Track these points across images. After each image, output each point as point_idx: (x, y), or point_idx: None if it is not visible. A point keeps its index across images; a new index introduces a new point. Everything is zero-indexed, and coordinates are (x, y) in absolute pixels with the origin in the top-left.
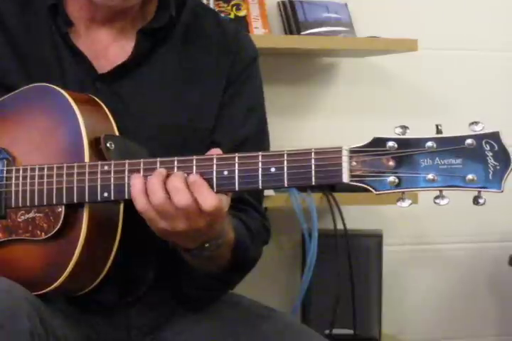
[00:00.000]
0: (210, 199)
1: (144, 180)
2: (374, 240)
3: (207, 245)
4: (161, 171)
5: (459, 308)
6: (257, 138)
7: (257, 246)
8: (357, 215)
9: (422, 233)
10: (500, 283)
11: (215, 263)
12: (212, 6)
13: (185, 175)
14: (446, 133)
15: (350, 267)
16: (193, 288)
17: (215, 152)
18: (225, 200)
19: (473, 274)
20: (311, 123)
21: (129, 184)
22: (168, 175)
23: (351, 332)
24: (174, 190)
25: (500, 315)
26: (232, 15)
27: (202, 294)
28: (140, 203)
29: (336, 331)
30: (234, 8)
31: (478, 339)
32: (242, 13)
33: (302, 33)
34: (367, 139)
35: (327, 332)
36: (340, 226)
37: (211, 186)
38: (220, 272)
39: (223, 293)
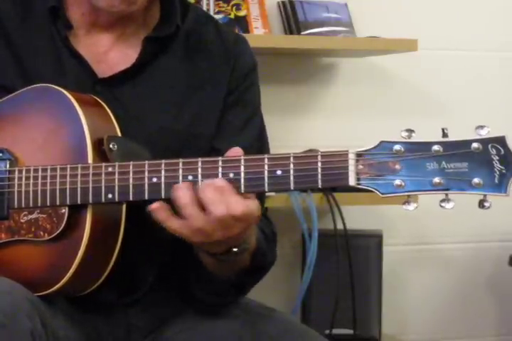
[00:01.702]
0: (239, 205)
1: (191, 193)
2: (374, 240)
3: (235, 250)
4: (188, 185)
5: (459, 308)
6: (258, 145)
7: (272, 252)
8: (357, 215)
9: (422, 233)
10: (500, 283)
11: (234, 268)
12: (212, 6)
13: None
14: (451, 136)
15: (350, 267)
16: (205, 293)
17: (236, 152)
18: (255, 204)
19: (473, 274)
20: (311, 123)
21: (133, 185)
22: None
23: (351, 332)
24: (209, 202)
25: (500, 315)
26: (232, 15)
27: (214, 299)
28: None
29: (335, 331)
30: (234, 8)
31: (478, 339)
32: (242, 13)
33: (302, 33)
34: (369, 140)
35: (327, 332)
36: (340, 226)
37: None
38: (236, 277)
39: (236, 298)
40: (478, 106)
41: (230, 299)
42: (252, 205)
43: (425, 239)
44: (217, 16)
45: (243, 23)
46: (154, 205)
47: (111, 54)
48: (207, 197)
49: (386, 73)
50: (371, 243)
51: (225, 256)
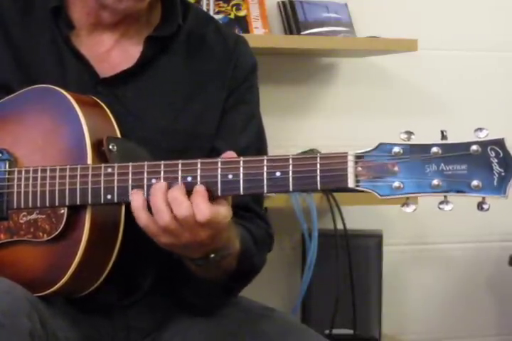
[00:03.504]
0: (204, 211)
1: (143, 196)
2: (374, 240)
3: (212, 256)
4: (161, 185)
5: (459, 308)
6: (257, 145)
7: (261, 254)
8: (357, 215)
9: (422, 233)
10: (500, 283)
11: (219, 272)
12: (212, 6)
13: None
14: (450, 137)
15: (350, 267)
16: (195, 296)
17: (230, 154)
18: (223, 211)
19: (473, 274)
20: (311, 123)
21: (132, 186)
22: (169, 186)
23: (351, 332)
24: (174, 202)
25: (500, 315)
26: (232, 15)
27: (204, 302)
28: (142, 219)
29: (335, 331)
30: (234, 8)
31: (478, 339)
32: (242, 13)
33: (302, 33)
34: (368, 140)
35: (327, 332)
36: (340, 226)
37: (216, 190)
38: (224, 280)
39: (225, 300)
40: (478, 106)
41: (218, 301)
42: (220, 212)
43: (425, 239)
44: (217, 16)
45: (243, 23)
46: (135, 191)
47: (113, 54)
48: (173, 197)
49: (386, 73)
50: (371, 243)
51: (203, 261)
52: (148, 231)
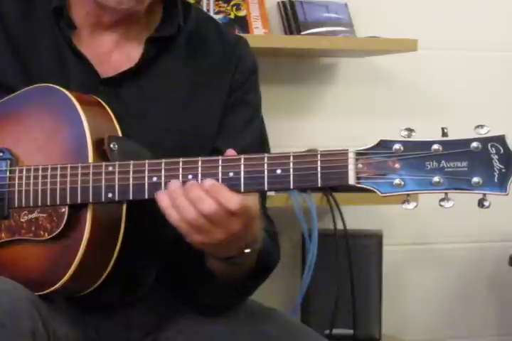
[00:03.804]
0: (234, 199)
1: (167, 195)
2: (374, 240)
3: (247, 250)
4: (178, 184)
5: (459, 308)
6: (258, 146)
7: (277, 249)
8: (357, 215)
9: (422, 233)
10: (500, 283)
11: (241, 271)
12: (212, 6)
13: (199, 182)
14: (451, 136)
15: (350, 267)
16: (210, 297)
17: (231, 153)
18: (251, 198)
19: (473, 274)
20: (310, 123)
21: (133, 184)
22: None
23: (351, 332)
24: (196, 199)
25: (500, 315)
26: (232, 16)
27: (219, 303)
28: (173, 217)
29: (335, 331)
30: (234, 8)
31: (478, 339)
32: (242, 13)
33: (302, 33)
34: (369, 140)
35: (327, 332)
36: (340, 226)
37: None
38: (242, 279)
39: (241, 300)
40: (478, 106)
41: (235, 301)
42: (248, 198)
43: (425, 239)
44: (217, 16)
45: (243, 23)
46: (160, 193)
47: (114, 54)
48: (193, 196)
49: (386, 73)
50: (371, 243)
51: (239, 258)
52: (180, 231)
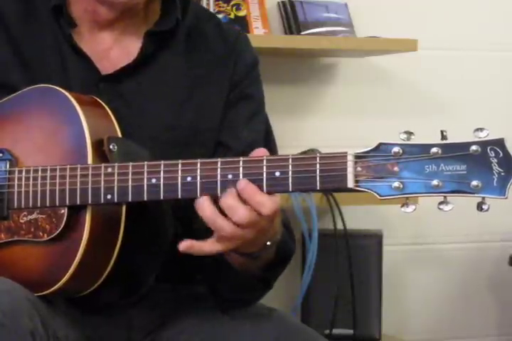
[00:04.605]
0: (266, 204)
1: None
2: (374, 240)
3: (269, 243)
4: (206, 199)
5: (459, 308)
6: (264, 139)
7: (292, 239)
8: (357, 215)
9: (422, 233)
10: (500, 283)
11: (262, 264)
12: (212, 5)
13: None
14: (450, 137)
15: (350, 267)
16: (233, 292)
17: (262, 152)
18: (278, 198)
19: (473, 274)
20: (310, 123)
21: (132, 186)
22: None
23: (351, 332)
24: (229, 210)
25: (500, 315)
26: (232, 15)
27: (243, 296)
28: (226, 228)
29: (335, 331)
30: (234, 8)
31: (478, 339)
32: (242, 13)
33: (302, 33)
34: (368, 140)
35: (327, 332)
36: (340, 226)
37: (215, 190)
38: (262, 272)
39: (263, 293)
40: (478, 107)
41: (257, 294)
42: (276, 199)
43: (425, 239)
44: None
45: (243, 23)
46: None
47: (113, 51)
48: (226, 206)
49: (386, 73)
50: (371, 243)
51: (261, 252)
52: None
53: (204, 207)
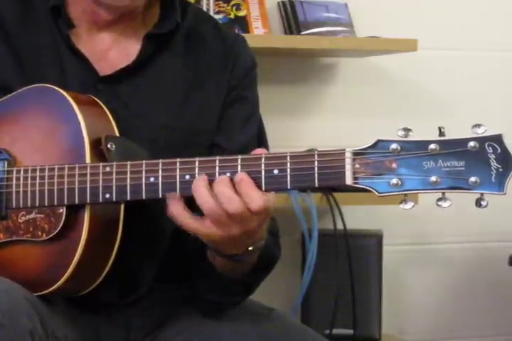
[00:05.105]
0: (256, 199)
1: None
2: (374, 240)
3: (251, 248)
4: (204, 177)
5: (459, 308)
6: (258, 141)
7: (278, 246)
8: (357, 215)
9: (422, 233)
10: (500, 283)
11: (245, 268)
12: (212, 6)
13: (228, 175)
14: (449, 136)
15: (350, 267)
16: (214, 294)
17: (261, 151)
18: (272, 196)
19: (473, 274)
20: (310, 123)
21: (131, 185)
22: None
23: (351, 332)
24: (222, 196)
25: (500, 315)
26: (232, 16)
27: (224, 299)
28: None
29: (335, 331)
30: (234, 8)
31: (478, 339)
32: (242, 13)
33: (302, 33)
34: (368, 140)
35: (327, 332)
36: (340, 226)
37: None
38: (244, 277)
39: (245, 298)
40: (478, 107)
41: (237, 299)
42: (269, 198)
43: (425, 239)
44: (217, 16)
45: (243, 23)
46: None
47: (111, 52)
48: (219, 191)
49: (386, 73)
50: (371, 243)
51: (242, 256)
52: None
53: (199, 182)
